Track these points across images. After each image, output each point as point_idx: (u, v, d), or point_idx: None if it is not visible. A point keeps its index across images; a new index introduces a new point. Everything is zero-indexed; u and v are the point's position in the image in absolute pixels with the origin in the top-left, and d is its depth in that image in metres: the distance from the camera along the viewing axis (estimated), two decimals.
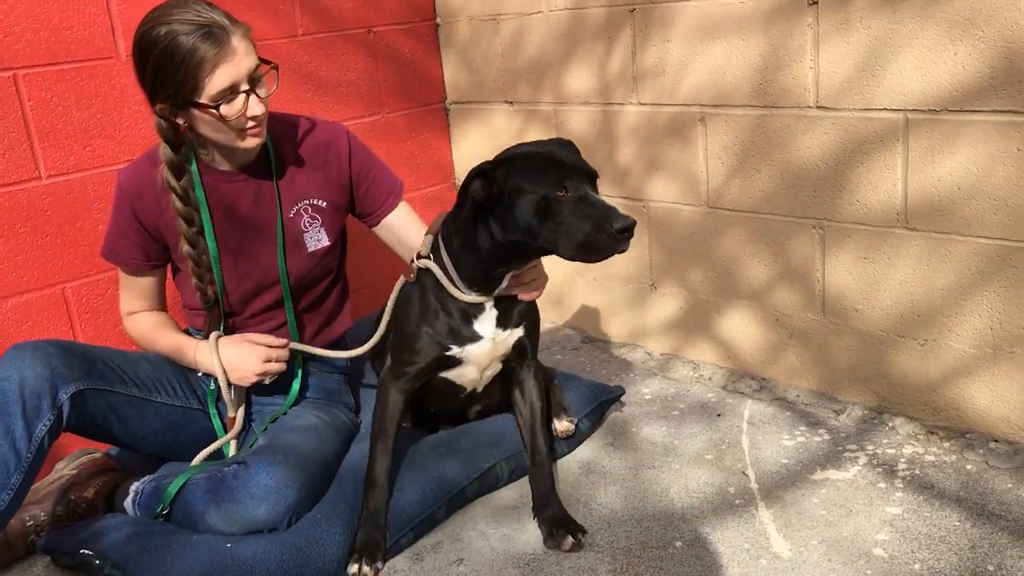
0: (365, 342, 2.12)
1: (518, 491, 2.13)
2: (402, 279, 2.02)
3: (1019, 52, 1.92)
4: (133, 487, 2.06)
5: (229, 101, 1.89)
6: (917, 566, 1.76)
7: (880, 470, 2.11)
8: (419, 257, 1.99)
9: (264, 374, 2.11)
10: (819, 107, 2.28)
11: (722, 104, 2.48)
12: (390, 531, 1.96)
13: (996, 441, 2.15)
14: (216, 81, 1.85)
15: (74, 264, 2.46)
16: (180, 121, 1.95)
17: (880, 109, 2.17)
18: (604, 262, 1.82)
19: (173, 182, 2.00)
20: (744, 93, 2.42)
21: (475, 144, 3.26)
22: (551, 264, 2.02)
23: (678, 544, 1.91)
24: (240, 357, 2.09)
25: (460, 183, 3.34)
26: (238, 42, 1.87)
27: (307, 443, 2.02)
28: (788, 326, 2.52)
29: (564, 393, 2.39)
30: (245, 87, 1.90)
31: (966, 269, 2.12)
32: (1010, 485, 2.00)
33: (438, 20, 3.23)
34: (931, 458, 2.14)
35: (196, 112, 1.90)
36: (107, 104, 2.48)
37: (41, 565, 2.03)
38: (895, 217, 2.21)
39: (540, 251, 1.85)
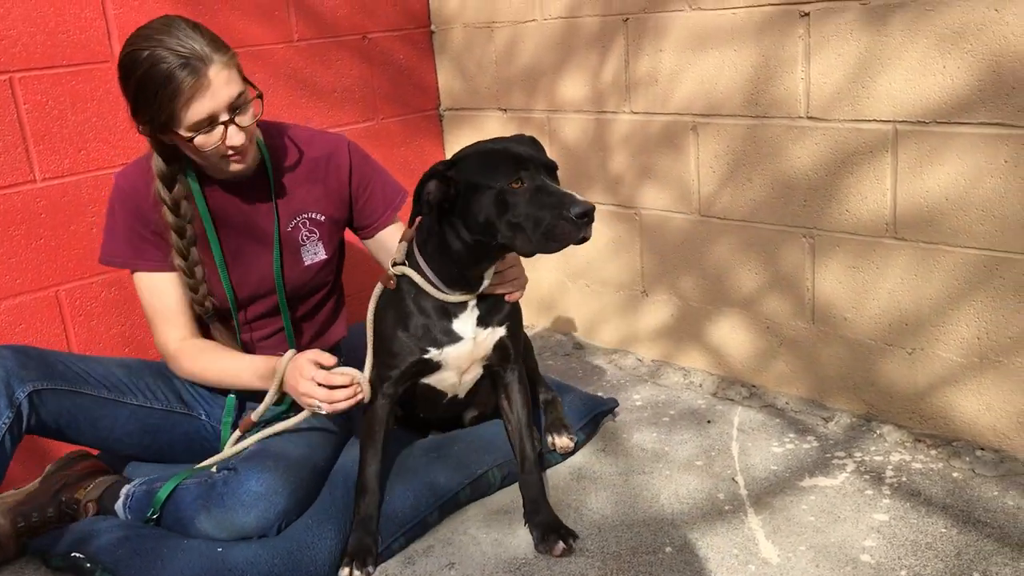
0: (359, 349, 2.11)
1: (509, 496, 2.14)
2: (379, 287, 2.01)
3: (1007, 66, 1.95)
4: (124, 490, 2.06)
5: (207, 132, 1.87)
6: (904, 572, 1.78)
7: (868, 477, 2.13)
8: (395, 264, 1.98)
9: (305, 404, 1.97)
10: (810, 117, 2.30)
11: (714, 114, 2.51)
12: (382, 535, 1.97)
13: (982, 449, 2.17)
14: (192, 112, 1.84)
15: (68, 267, 2.47)
16: (164, 139, 1.94)
17: (870, 120, 2.19)
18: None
19: (164, 194, 1.99)
20: (736, 103, 2.45)
21: None
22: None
23: (668, 549, 1.93)
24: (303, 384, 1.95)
25: None
26: (218, 72, 1.84)
27: (298, 449, 2.03)
28: (778, 334, 2.54)
29: (563, 408, 2.40)
30: (224, 117, 1.87)
31: (954, 279, 2.14)
32: (996, 493, 2.02)
33: (432, 27, 3.25)
34: (918, 466, 2.16)
35: (175, 138, 1.90)
36: (102, 108, 2.49)
37: (32, 567, 2.03)
38: (884, 227, 2.23)
39: (505, 247, 1.82)
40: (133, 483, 2.07)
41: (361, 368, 1.97)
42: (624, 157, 2.77)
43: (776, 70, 2.34)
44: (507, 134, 3.04)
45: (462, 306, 1.96)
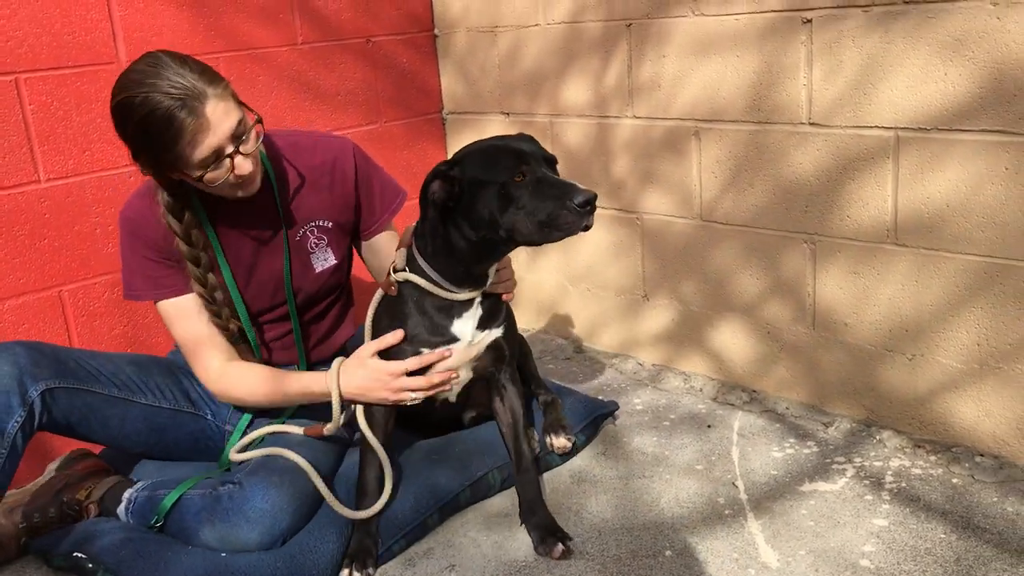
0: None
1: (509, 499, 2.15)
2: (379, 293, 2.01)
3: (1008, 73, 1.96)
4: (126, 495, 2.06)
5: (215, 167, 1.85)
6: None
7: (867, 482, 2.13)
8: (395, 270, 1.98)
9: (399, 401, 1.99)
10: (812, 123, 2.31)
11: (716, 119, 2.52)
12: (382, 538, 1.98)
13: (982, 455, 2.18)
14: (198, 151, 1.81)
15: (71, 267, 2.48)
16: (171, 177, 1.91)
17: (871, 127, 2.20)
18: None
19: (175, 225, 1.95)
20: (738, 109, 2.45)
21: None
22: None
23: (668, 553, 1.93)
24: (371, 383, 1.98)
25: None
26: (215, 106, 1.80)
27: (303, 463, 2.00)
28: (779, 339, 2.55)
29: (563, 409, 2.40)
30: (229, 149, 1.84)
31: (954, 285, 2.15)
32: (995, 499, 2.03)
33: (436, 31, 3.26)
34: (918, 471, 2.17)
35: (182, 176, 1.88)
36: (107, 109, 2.45)
37: (34, 567, 2.04)
38: (885, 233, 2.24)
39: (510, 241, 1.84)
40: (135, 487, 2.07)
41: None
42: (626, 162, 2.78)
43: (778, 76, 2.35)
44: None
45: (467, 304, 1.96)
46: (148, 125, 1.78)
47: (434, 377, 1.97)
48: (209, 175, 1.85)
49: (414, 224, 1.99)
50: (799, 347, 2.51)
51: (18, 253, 2.38)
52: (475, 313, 1.98)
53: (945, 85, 2.06)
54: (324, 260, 2.17)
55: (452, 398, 2.14)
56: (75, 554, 1.95)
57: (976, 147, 2.04)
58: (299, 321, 2.19)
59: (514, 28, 2.99)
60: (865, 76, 2.18)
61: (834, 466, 2.22)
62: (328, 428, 2.07)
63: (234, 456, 2.08)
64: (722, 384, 2.69)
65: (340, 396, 1.99)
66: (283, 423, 2.15)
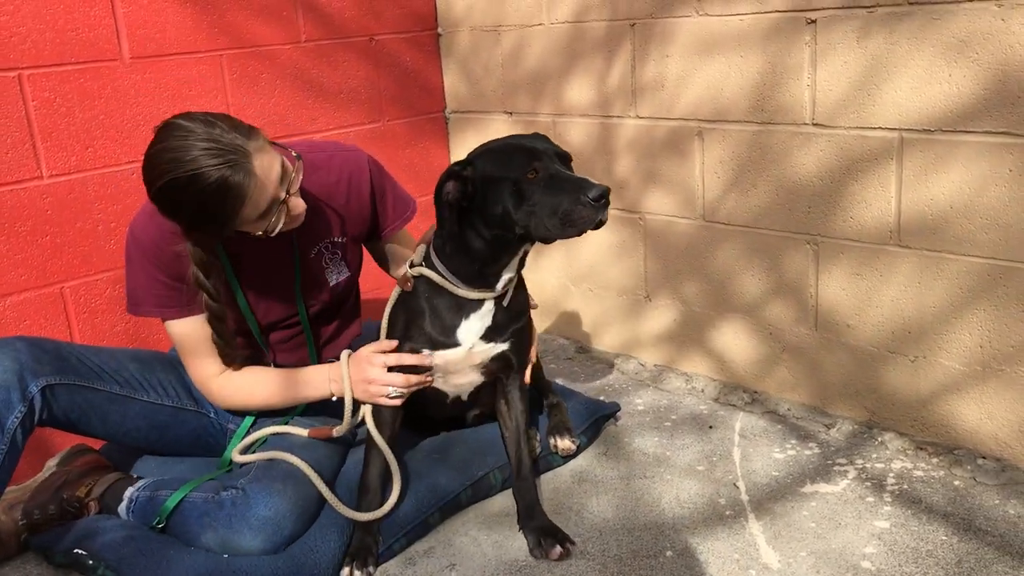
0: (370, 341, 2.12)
1: (510, 499, 2.14)
2: (396, 290, 2.02)
3: (1013, 75, 1.95)
4: (127, 493, 2.05)
5: (271, 216, 1.84)
6: None
7: (869, 484, 2.13)
8: (412, 265, 2.00)
9: (374, 402, 2.02)
10: (815, 124, 2.31)
11: (719, 119, 2.51)
12: (383, 536, 1.98)
13: (984, 458, 2.17)
14: (256, 206, 1.79)
15: (73, 264, 2.47)
16: (223, 238, 1.89)
17: (875, 128, 2.19)
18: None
19: (204, 281, 1.93)
20: (741, 109, 2.45)
21: None
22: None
23: (668, 553, 1.93)
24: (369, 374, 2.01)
25: None
26: (260, 159, 1.77)
27: (305, 464, 2.00)
28: (781, 340, 2.54)
29: (567, 412, 2.41)
30: (282, 196, 1.83)
31: (957, 287, 2.15)
32: (997, 501, 2.02)
33: (439, 30, 3.25)
34: (920, 473, 2.16)
35: (238, 233, 1.87)
36: (110, 105, 2.50)
37: (34, 563, 2.04)
38: (888, 234, 2.24)
39: (524, 239, 1.85)
40: (136, 486, 2.06)
41: None
42: (629, 162, 2.78)
43: (782, 77, 2.34)
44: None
45: (477, 305, 1.96)
46: (206, 200, 1.74)
47: (412, 378, 1.99)
48: (268, 226, 1.85)
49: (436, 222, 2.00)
50: (801, 348, 2.50)
51: (20, 249, 2.38)
52: (484, 319, 1.98)
53: (949, 86, 2.05)
54: (338, 274, 2.18)
55: (464, 397, 2.15)
56: (76, 551, 1.95)
57: (980, 149, 2.03)
58: (309, 323, 2.19)
59: (518, 27, 2.99)
60: (869, 77, 2.18)
61: (836, 468, 2.21)
62: (338, 430, 2.07)
63: (236, 457, 2.07)
64: (724, 385, 2.69)
65: (353, 397, 2.01)
66: (287, 423, 2.15)
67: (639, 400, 2.68)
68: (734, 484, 2.18)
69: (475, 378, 2.08)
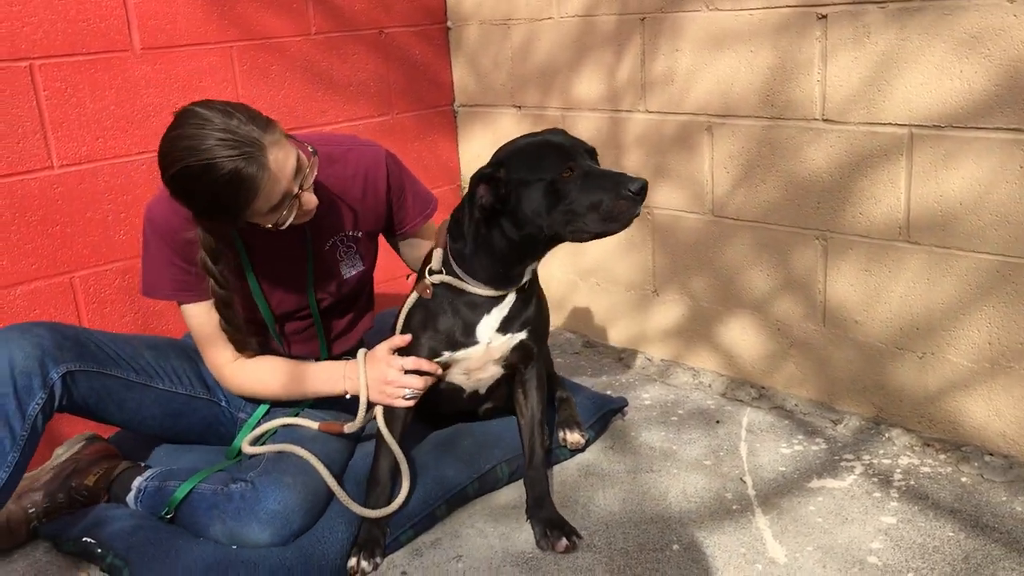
0: (382, 339, 2.12)
1: (517, 491, 2.15)
2: (413, 297, 2.02)
3: None
4: (135, 483, 2.06)
5: (283, 209, 1.84)
6: (911, 575, 1.78)
7: (876, 480, 2.13)
8: (431, 272, 1.99)
9: (391, 404, 2.03)
10: (825, 120, 2.30)
11: (729, 114, 2.51)
12: (390, 528, 1.98)
13: (991, 455, 2.17)
14: (269, 202, 1.80)
15: (83, 254, 2.48)
16: (234, 228, 1.90)
17: (886, 124, 2.19)
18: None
19: (211, 266, 1.93)
20: (751, 104, 2.45)
21: (482, 147, 3.29)
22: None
23: (675, 547, 1.93)
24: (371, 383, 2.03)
25: (466, 186, 3.38)
26: (276, 153, 1.77)
27: (315, 458, 2.00)
28: (788, 336, 2.54)
29: (576, 407, 2.41)
30: (295, 191, 1.83)
31: (966, 284, 2.14)
32: (1004, 498, 2.02)
33: (449, 23, 3.25)
34: (927, 469, 2.16)
35: (249, 224, 1.88)
36: (120, 96, 2.50)
37: (43, 550, 2.05)
38: (897, 230, 2.23)
39: (553, 240, 1.85)
40: (145, 476, 2.07)
41: None
42: (638, 156, 2.78)
43: (792, 72, 2.34)
44: (521, 131, 3.05)
45: (497, 301, 1.97)
46: (219, 191, 1.75)
47: (428, 379, 2.01)
48: (279, 219, 1.85)
49: (446, 222, 2.00)
50: (809, 344, 2.50)
51: (30, 239, 2.39)
52: (501, 311, 1.98)
53: (961, 82, 2.05)
54: (352, 268, 2.18)
55: (482, 391, 2.16)
56: (85, 539, 1.96)
57: (991, 145, 2.03)
58: (322, 319, 2.20)
59: (527, 21, 2.98)
60: (880, 73, 2.18)
61: (843, 463, 2.21)
62: (349, 427, 2.08)
63: (246, 449, 2.08)
64: (731, 380, 2.69)
65: (368, 396, 2.02)
66: (297, 415, 2.15)
67: (646, 395, 2.68)
68: (741, 479, 2.18)
69: (496, 371, 2.09)
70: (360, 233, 2.17)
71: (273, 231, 1.92)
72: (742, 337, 2.66)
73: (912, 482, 2.11)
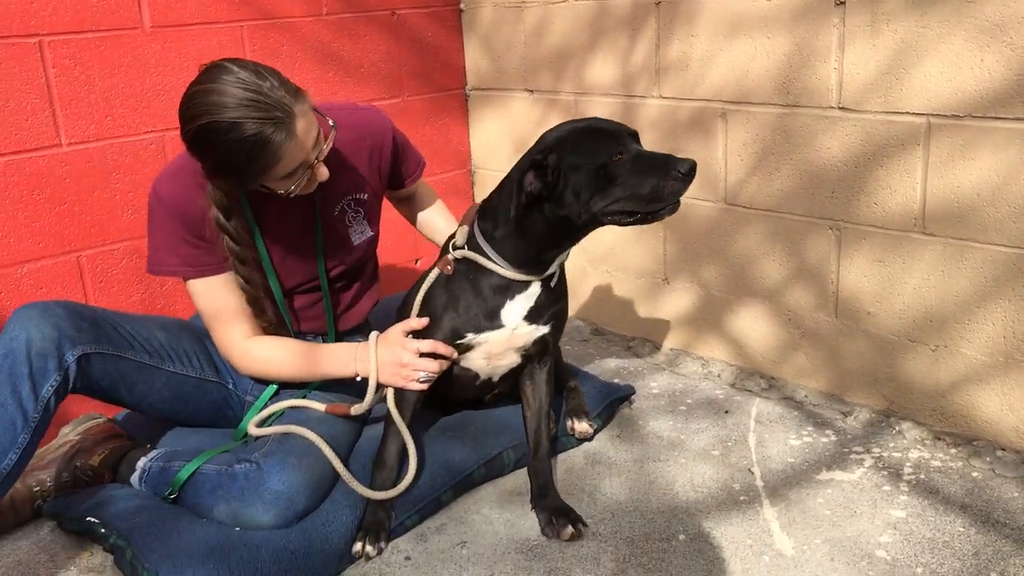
0: (386, 322, 2.11)
1: (523, 478, 2.14)
2: (433, 273, 2.01)
3: None
4: (140, 463, 2.06)
5: (296, 178, 1.83)
6: (920, 569, 1.76)
7: (886, 473, 2.11)
8: (455, 247, 1.98)
9: (406, 387, 2.02)
10: (841, 108, 2.27)
11: (744, 101, 2.48)
12: (396, 512, 1.97)
13: (1003, 450, 2.15)
14: (286, 169, 1.79)
15: (91, 233, 2.47)
16: (245, 190, 1.89)
17: (903, 112, 2.16)
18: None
19: (224, 222, 1.91)
20: (767, 91, 2.42)
21: (493, 131, 3.26)
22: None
23: (681, 537, 1.91)
24: (385, 365, 2.02)
25: (477, 171, 3.35)
26: (302, 121, 1.76)
27: (320, 440, 1.99)
28: (800, 326, 2.52)
29: (584, 396, 2.40)
30: (312, 161, 1.83)
31: (982, 276, 2.11)
32: (1016, 494, 2.00)
33: (462, 5, 3.22)
34: (937, 463, 2.14)
35: (262, 188, 1.87)
36: (130, 75, 2.48)
37: (47, 529, 2.05)
38: (912, 221, 2.20)
39: (592, 224, 1.85)
40: (149, 456, 2.07)
41: None
42: (651, 142, 2.75)
43: (809, 59, 2.30)
44: (534, 116, 3.01)
45: (524, 286, 1.95)
46: (239, 151, 1.72)
47: (443, 363, 2.00)
48: (290, 186, 1.84)
49: (477, 203, 1.99)
50: (820, 335, 2.47)
51: (37, 217, 2.38)
52: (529, 300, 1.97)
53: (981, 71, 2.01)
54: (361, 233, 2.17)
55: (495, 378, 2.14)
56: (88, 518, 1.96)
57: (1010, 136, 1.99)
58: (329, 291, 2.19)
59: (541, 3, 2.95)
60: (898, 60, 2.14)
61: (852, 456, 2.19)
62: (356, 409, 2.07)
63: (252, 430, 2.07)
64: (740, 370, 2.67)
65: (377, 379, 2.01)
66: (305, 397, 2.14)
67: (654, 384, 2.66)
68: (749, 470, 2.16)
69: (514, 359, 2.07)
70: (366, 195, 2.16)
71: (281, 198, 1.91)
72: (753, 327, 2.63)
73: (922, 476, 2.09)
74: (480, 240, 1.94)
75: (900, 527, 1.90)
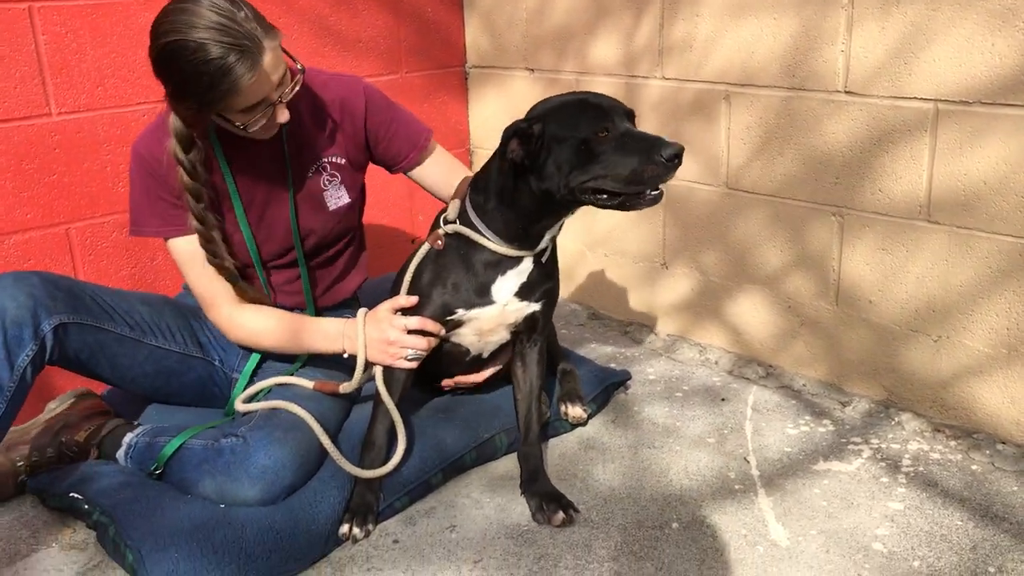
0: (379, 301, 2.07)
1: (515, 462, 2.10)
2: (424, 248, 1.97)
3: None
4: (126, 439, 2.02)
5: (256, 114, 1.82)
6: (916, 563, 1.73)
7: (884, 464, 2.08)
8: (446, 222, 1.94)
9: (394, 365, 1.98)
10: (847, 92, 2.22)
11: (748, 83, 2.43)
12: (384, 494, 1.94)
13: (1004, 443, 2.11)
14: (246, 101, 1.77)
15: (80, 204, 2.43)
16: (203, 117, 1.86)
17: (910, 98, 2.11)
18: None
19: (180, 155, 1.89)
20: (772, 73, 2.37)
21: (493, 110, 3.21)
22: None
23: (674, 525, 1.88)
24: (372, 342, 1.98)
25: (475, 149, 3.30)
26: (270, 56, 1.75)
27: (308, 415, 1.96)
28: (799, 314, 2.48)
29: (579, 380, 2.37)
30: (274, 99, 1.82)
31: (986, 267, 2.07)
32: (1015, 488, 1.96)
33: None
34: (936, 456, 2.11)
35: (218, 119, 1.84)
36: (122, 44, 2.43)
37: (30, 504, 2.02)
38: (917, 209, 2.16)
39: (571, 201, 1.81)
40: (136, 432, 2.03)
41: None
42: (653, 124, 2.70)
43: (816, 41, 2.26)
44: (535, 95, 2.96)
45: (515, 262, 1.91)
46: (202, 74, 1.70)
47: (432, 340, 1.97)
48: (249, 121, 1.82)
49: (470, 176, 1.95)
50: (820, 323, 2.44)
51: (26, 187, 2.33)
52: (520, 276, 1.93)
53: (992, 56, 1.96)
54: (338, 199, 2.12)
55: (485, 354, 2.11)
56: (71, 494, 1.93)
57: (1020, 123, 1.95)
58: (308, 266, 2.15)
59: None
60: (907, 44, 2.09)
61: (850, 446, 2.16)
62: (345, 387, 2.04)
63: (239, 406, 2.04)
64: (738, 357, 2.63)
65: (365, 357, 1.97)
66: (292, 374, 2.11)
67: (651, 369, 2.62)
68: (745, 458, 2.13)
69: (504, 335, 2.05)
70: (343, 160, 2.12)
71: (252, 150, 1.90)
72: (752, 314, 2.60)
73: (921, 468, 2.06)
74: (471, 214, 1.90)
75: (897, 520, 1.87)
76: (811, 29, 2.26)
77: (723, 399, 2.42)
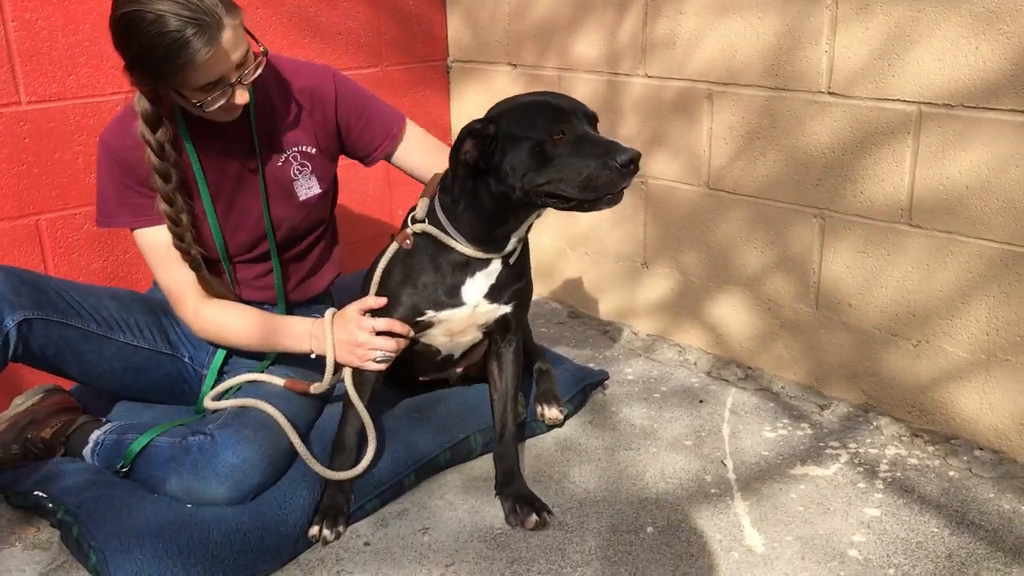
0: (352, 298, 2.04)
1: (491, 463, 2.07)
2: (392, 246, 1.94)
3: None
4: (93, 436, 1.98)
5: (214, 94, 1.78)
6: (892, 571, 1.72)
7: (861, 470, 2.06)
8: (414, 221, 1.91)
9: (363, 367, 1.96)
10: (831, 93, 2.21)
11: (731, 83, 2.41)
12: (356, 496, 1.91)
13: (981, 449, 2.10)
14: (203, 78, 1.74)
15: (51, 196, 2.38)
16: (160, 92, 1.82)
17: (894, 100, 2.09)
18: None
19: (148, 135, 1.85)
20: (755, 73, 2.34)
21: (474, 105, 3.17)
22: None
23: (649, 530, 1.86)
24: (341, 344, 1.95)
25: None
26: (229, 35, 1.72)
27: (280, 417, 1.92)
28: (779, 316, 2.46)
29: (556, 380, 2.34)
30: (233, 79, 1.78)
31: (967, 271, 2.06)
32: (992, 495, 1.95)
33: None
34: (914, 461, 2.09)
35: (176, 96, 1.81)
36: (95, 32, 2.38)
37: None
38: (899, 212, 2.15)
39: (531, 205, 1.77)
40: (103, 429, 1.99)
41: None
42: (634, 122, 2.68)
43: (799, 41, 2.23)
44: (516, 91, 2.94)
45: (484, 264, 1.88)
46: (157, 46, 1.68)
47: (400, 342, 1.93)
48: (206, 100, 1.78)
49: (442, 173, 1.91)
50: (800, 326, 2.42)
51: None
52: (489, 278, 1.90)
53: (975, 59, 1.95)
54: (308, 188, 2.09)
55: (456, 354, 2.08)
56: (36, 493, 1.89)
57: (1003, 127, 1.94)
58: (280, 259, 2.11)
59: None
60: (891, 46, 2.07)
61: (827, 451, 2.14)
62: (316, 387, 2.01)
63: (208, 404, 2.00)
64: (717, 359, 2.61)
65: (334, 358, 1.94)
66: (263, 371, 2.07)
67: (629, 369, 2.60)
68: (721, 461, 2.11)
69: (475, 336, 2.02)
70: (314, 150, 2.08)
71: (222, 137, 1.88)
72: (731, 315, 2.58)
73: (898, 474, 2.04)
74: (440, 214, 1.87)
75: (874, 526, 1.85)
76: (795, 29, 2.24)
77: (701, 401, 2.40)
